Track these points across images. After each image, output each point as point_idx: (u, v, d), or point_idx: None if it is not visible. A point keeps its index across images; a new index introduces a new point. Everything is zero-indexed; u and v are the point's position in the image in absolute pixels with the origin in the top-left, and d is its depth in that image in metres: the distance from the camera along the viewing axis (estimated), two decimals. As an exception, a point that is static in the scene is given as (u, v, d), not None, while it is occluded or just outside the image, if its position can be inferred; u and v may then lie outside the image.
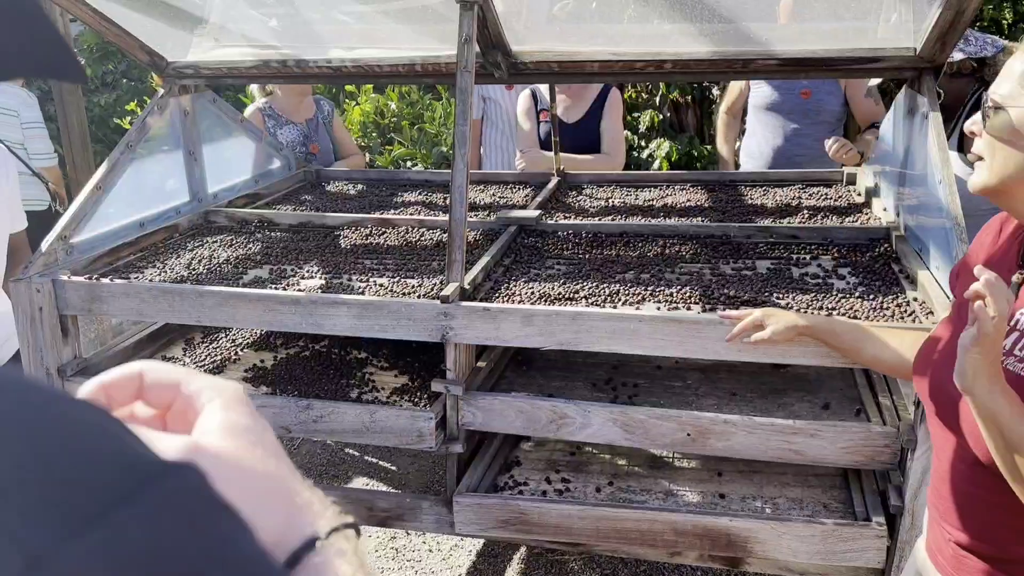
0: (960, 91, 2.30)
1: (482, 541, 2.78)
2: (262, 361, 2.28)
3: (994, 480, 1.11)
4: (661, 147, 4.60)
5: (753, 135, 3.33)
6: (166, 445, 0.40)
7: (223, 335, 2.46)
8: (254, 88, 3.66)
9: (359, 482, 3.19)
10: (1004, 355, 1.13)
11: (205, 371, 2.25)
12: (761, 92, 3.25)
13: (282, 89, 3.41)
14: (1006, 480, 1.09)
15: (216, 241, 2.41)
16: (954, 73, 2.26)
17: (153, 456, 0.27)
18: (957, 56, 2.18)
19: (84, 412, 0.27)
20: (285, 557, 0.41)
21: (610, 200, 2.70)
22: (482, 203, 2.76)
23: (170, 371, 0.47)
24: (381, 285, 2.03)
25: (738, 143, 3.62)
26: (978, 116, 1.19)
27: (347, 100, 5.55)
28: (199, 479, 0.29)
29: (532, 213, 2.41)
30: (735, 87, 3.49)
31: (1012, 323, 1.15)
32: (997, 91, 1.16)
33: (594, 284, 1.94)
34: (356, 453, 3.37)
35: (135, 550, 0.24)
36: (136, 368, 0.47)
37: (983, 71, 2.25)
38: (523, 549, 2.77)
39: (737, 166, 3.55)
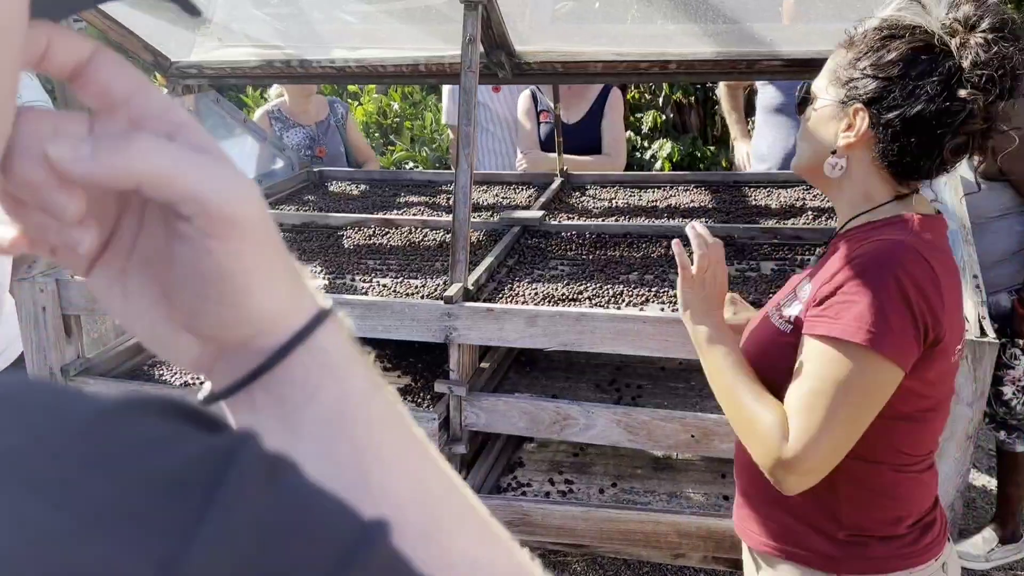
0: None
1: (484, 542, 2.77)
2: (265, 361, 2.27)
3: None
4: (663, 148, 4.59)
5: (762, 137, 3.31)
6: (226, 184, 0.36)
7: (226, 335, 2.45)
8: (272, 90, 3.65)
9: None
10: (775, 309, 1.26)
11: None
12: (768, 93, 3.23)
13: (287, 91, 3.39)
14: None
15: (219, 241, 2.41)
16: None
17: (219, 440, 0.27)
18: None
19: (148, 420, 0.27)
20: (293, 331, 0.39)
21: (613, 201, 2.70)
22: (485, 203, 2.76)
23: (129, 64, 0.39)
24: (384, 286, 2.02)
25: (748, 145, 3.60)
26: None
27: (350, 100, 5.57)
28: (253, 444, 0.28)
29: (535, 214, 2.41)
30: None
31: (793, 288, 1.26)
32: (815, 83, 1.25)
33: (598, 285, 1.94)
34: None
35: (246, 537, 0.25)
36: (91, 41, 0.38)
37: None
38: (526, 550, 2.77)
39: (749, 134, 3.51)
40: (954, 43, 1.07)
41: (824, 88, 1.21)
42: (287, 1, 2.55)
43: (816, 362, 1.07)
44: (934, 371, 1.10)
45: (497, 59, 2.29)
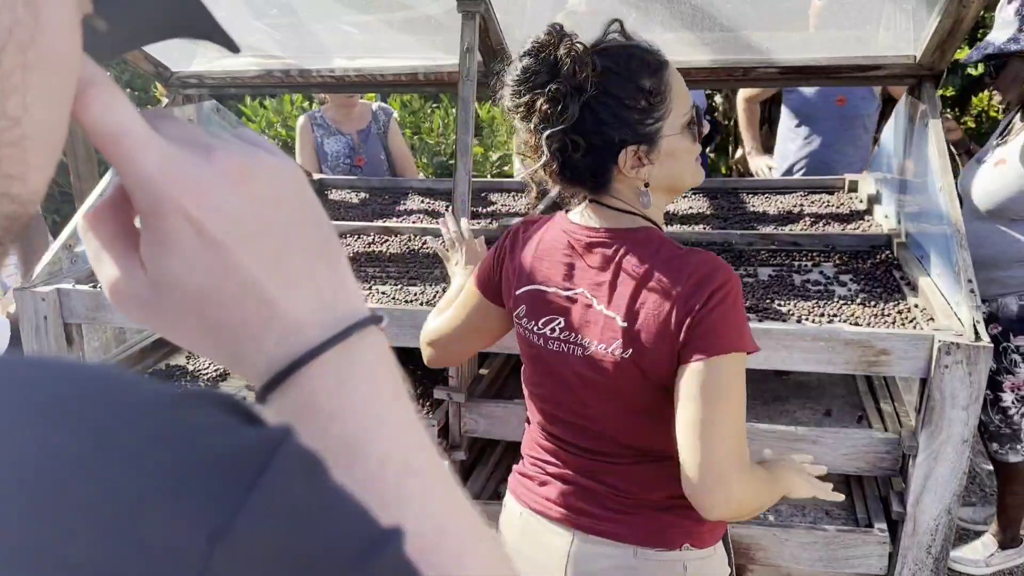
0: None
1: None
2: (265, 369, 2.28)
3: None
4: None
5: (788, 141, 3.31)
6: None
7: (227, 343, 2.46)
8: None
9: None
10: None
11: (209, 379, 2.26)
12: (795, 98, 3.24)
13: (330, 98, 3.30)
14: None
15: (220, 250, 2.42)
16: None
17: (266, 432, 0.30)
18: None
19: (206, 409, 0.30)
20: (335, 331, 0.41)
21: (612, 208, 2.70)
22: (484, 211, 2.77)
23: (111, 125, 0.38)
24: (384, 293, 2.03)
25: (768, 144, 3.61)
26: None
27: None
28: (294, 440, 0.31)
29: (534, 221, 2.42)
30: None
31: None
32: None
33: (596, 292, 1.95)
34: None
35: (283, 519, 0.28)
36: (97, 71, 0.38)
37: None
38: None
39: (770, 150, 3.53)
40: None
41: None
42: (286, 12, 2.57)
43: None
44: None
45: (495, 68, 2.30)
